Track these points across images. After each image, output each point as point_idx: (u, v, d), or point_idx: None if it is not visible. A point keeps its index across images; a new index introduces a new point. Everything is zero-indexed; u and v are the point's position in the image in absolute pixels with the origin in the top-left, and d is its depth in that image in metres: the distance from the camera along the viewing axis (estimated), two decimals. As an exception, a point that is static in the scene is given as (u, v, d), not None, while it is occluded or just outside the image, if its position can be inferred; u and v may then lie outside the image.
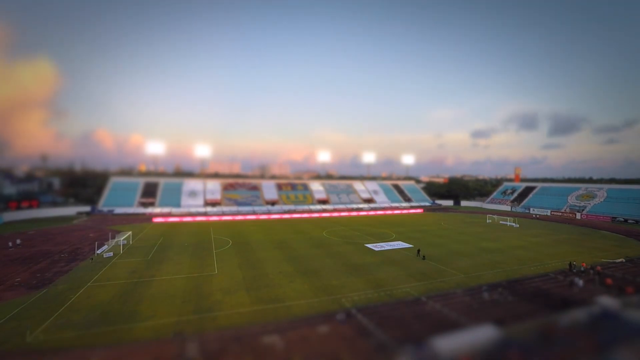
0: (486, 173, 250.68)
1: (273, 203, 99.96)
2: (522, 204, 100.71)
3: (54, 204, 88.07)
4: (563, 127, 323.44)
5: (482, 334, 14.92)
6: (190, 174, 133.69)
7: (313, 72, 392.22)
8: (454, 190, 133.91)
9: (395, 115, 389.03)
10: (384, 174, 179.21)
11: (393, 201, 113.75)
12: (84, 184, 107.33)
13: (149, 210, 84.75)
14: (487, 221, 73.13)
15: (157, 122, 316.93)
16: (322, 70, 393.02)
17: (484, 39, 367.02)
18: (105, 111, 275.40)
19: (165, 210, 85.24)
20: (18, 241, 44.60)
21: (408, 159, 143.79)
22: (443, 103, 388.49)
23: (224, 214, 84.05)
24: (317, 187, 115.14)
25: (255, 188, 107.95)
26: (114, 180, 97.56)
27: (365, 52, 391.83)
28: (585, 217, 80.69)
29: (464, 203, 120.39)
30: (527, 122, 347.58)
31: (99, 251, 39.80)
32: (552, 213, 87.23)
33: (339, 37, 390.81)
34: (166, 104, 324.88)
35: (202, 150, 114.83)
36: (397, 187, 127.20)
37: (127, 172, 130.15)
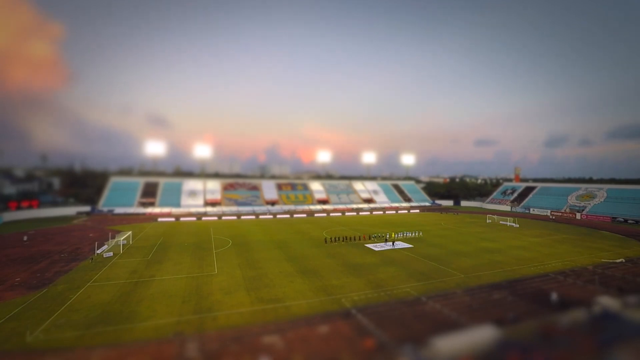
0: (487, 173, 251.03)
1: (273, 203, 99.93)
2: (522, 204, 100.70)
3: (54, 204, 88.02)
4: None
5: (482, 334, 14.92)
6: (190, 174, 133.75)
7: (308, 70, 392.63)
8: (454, 190, 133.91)
9: (394, 111, 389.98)
10: (384, 174, 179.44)
11: (393, 201, 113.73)
12: (84, 184, 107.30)
13: (149, 210, 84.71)
14: (487, 221, 73.14)
15: (154, 121, 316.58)
16: (317, 68, 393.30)
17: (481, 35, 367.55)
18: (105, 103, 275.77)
19: (165, 210, 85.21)
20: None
21: (408, 159, 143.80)
22: (441, 97, 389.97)
23: (224, 214, 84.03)
24: (317, 187, 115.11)
25: (255, 188, 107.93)
26: (113, 180, 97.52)
27: (360, 48, 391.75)
28: (585, 217, 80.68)
29: (464, 203, 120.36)
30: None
31: (98, 251, 39.79)
32: (552, 213, 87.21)
33: (334, 33, 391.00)
34: (164, 102, 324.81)
35: (202, 150, 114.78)
36: (397, 187, 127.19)
37: (127, 172, 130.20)
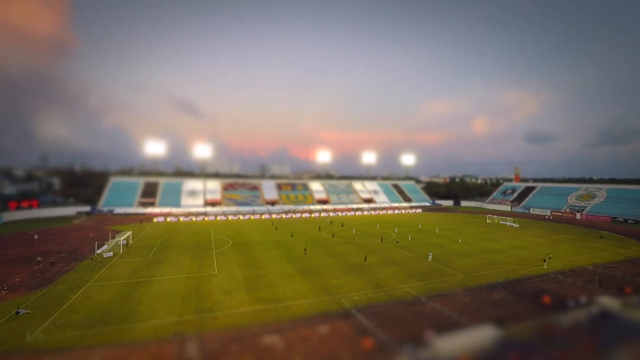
0: (487, 173, 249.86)
1: (273, 203, 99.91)
2: (522, 204, 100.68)
3: (54, 204, 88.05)
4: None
5: (482, 334, 14.92)
6: (190, 174, 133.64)
7: (310, 71, 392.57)
8: (454, 190, 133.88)
9: (393, 110, 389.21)
10: (384, 174, 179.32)
11: (393, 201, 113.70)
12: (84, 184, 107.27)
13: (149, 210, 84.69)
14: (487, 221, 73.12)
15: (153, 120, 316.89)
16: (319, 68, 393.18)
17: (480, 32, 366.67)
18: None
19: (165, 210, 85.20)
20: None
21: (408, 159, 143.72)
22: (439, 94, 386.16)
23: (224, 214, 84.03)
24: (317, 187, 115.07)
25: (255, 188, 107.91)
26: (113, 180, 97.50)
27: (361, 47, 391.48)
28: (585, 217, 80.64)
29: (464, 203, 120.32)
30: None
31: (98, 251, 39.79)
32: (552, 213, 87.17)
33: (330, 33, 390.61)
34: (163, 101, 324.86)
35: (202, 150, 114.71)
36: (397, 187, 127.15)
37: (127, 171, 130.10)
